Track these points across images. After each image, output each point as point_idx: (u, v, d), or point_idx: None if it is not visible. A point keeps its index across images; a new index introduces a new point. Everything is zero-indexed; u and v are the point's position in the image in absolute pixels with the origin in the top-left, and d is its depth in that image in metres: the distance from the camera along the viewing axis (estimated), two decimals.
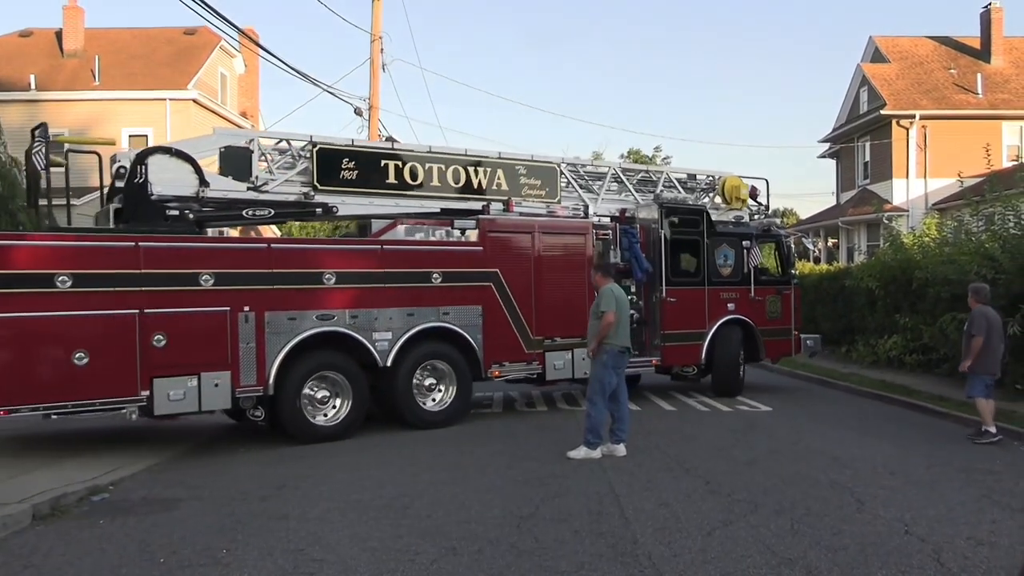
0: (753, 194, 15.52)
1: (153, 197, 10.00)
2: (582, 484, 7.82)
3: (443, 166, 12.08)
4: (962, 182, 19.81)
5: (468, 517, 6.71)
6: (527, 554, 5.77)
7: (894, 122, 30.41)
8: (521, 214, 12.38)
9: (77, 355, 8.85)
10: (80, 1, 30.89)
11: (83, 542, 6.40)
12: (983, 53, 32.99)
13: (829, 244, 35.75)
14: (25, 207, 11.80)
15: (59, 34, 30.68)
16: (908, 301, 16.98)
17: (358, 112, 24.39)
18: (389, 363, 10.81)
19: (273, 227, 24.74)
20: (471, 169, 12.29)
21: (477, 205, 12.14)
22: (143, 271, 9.30)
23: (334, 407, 10.61)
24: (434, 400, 11.43)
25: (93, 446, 9.95)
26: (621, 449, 9.17)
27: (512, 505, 7.08)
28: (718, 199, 15.12)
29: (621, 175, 14.18)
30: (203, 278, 9.64)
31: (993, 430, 10.19)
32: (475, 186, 12.27)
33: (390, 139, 25.54)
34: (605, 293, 9.28)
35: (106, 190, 10.68)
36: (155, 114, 27.85)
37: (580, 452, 9.03)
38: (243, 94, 33.91)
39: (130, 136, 28.13)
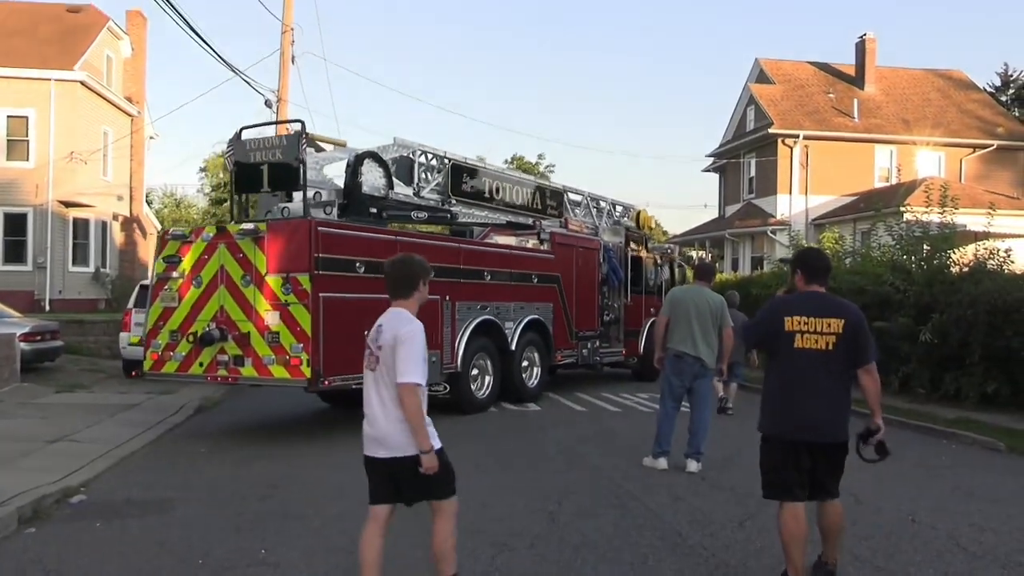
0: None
1: (363, 195, 11.17)
2: (588, 480, 7.93)
3: (510, 185, 14.38)
4: (877, 209, 21.14)
5: (499, 514, 6.67)
6: (584, 547, 5.81)
7: (779, 141, 32.02)
8: (568, 231, 15.23)
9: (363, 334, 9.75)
10: None
11: (94, 546, 5.99)
12: (857, 80, 35.28)
13: (707, 255, 37.18)
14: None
15: None
16: None
17: (268, 104, 23.65)
18: (514, 347, 12.95)
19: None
20: (526, 190, 14.76)
21: (528, 220, 14.57)
22: None
23: (482, 383, 12.58)
24: (529, 377, 13.58)
25: (28, 447, 9.22)
26: (691, 464, 8.47)
27: (534, 503, 7.09)
28: (632, 224, 18.13)
29: (589, 202, 16.88)
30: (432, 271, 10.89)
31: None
32: (530, 204, 14.72)
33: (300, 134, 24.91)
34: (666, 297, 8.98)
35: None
36: (38, 95, 26.00)
37: (646, 460, 8.61)
38: (128, 78, 32.13)
39: (8, 117, 26.25)
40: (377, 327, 4.57)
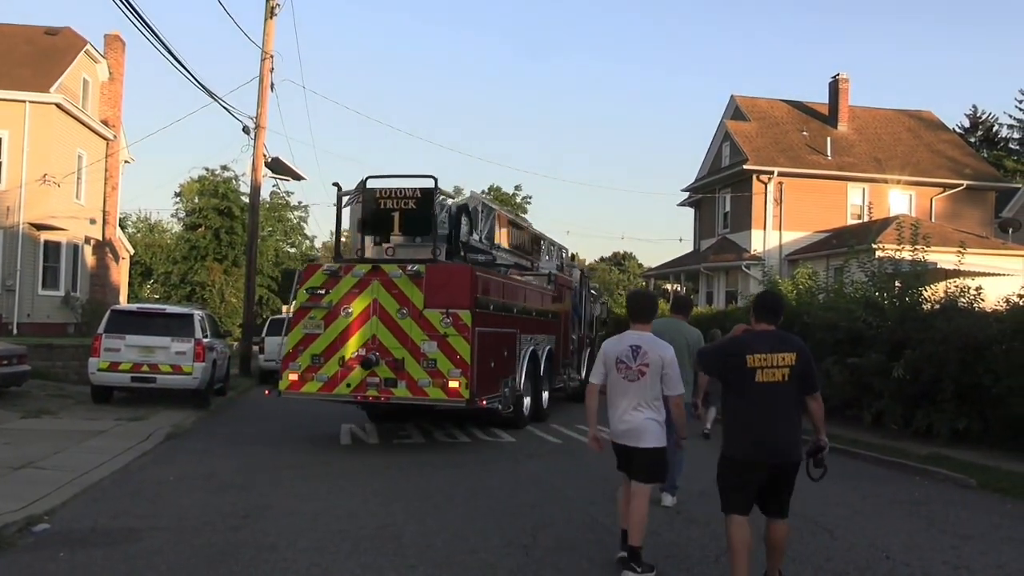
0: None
1: (459, 241, 12.70)
2: (564, 513, 7.85)
3: (519, 231, 16.62)
4: (850, 246, 21.43)
5: (472, 546, 6.60)
6: None
7: (754, 177, 32.33)
8: (560, 272, 18.00)
9: (491, 362, 11.77)
10: None
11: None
12: (831, 119, 35.84)
13: (681, 288, 37.24)
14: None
15: None
16: None
17: (246, 130, 23.71)
18: (541, 374, 14.83)
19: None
20: (526, 235, 17.18)
21: (526, 263, 16.61)
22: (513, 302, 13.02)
23: (525, 404, 13.98)
24: (544, 400, 15.34)
25: None
26: (666, 498, 8.30)
27: (508, 534, 7.02)
28: (580, 266, 22.19)
29: (549, 245, 19.09)
30: (515, 308, 13.21)
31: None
32: (525, 248, 16.92)
33: (275, 160, 24.86)
34: None
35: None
36: (12, 116, 25.71)
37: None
38: (105, 102, 31.93)
39: None
40: (633, 347, 5.91)
